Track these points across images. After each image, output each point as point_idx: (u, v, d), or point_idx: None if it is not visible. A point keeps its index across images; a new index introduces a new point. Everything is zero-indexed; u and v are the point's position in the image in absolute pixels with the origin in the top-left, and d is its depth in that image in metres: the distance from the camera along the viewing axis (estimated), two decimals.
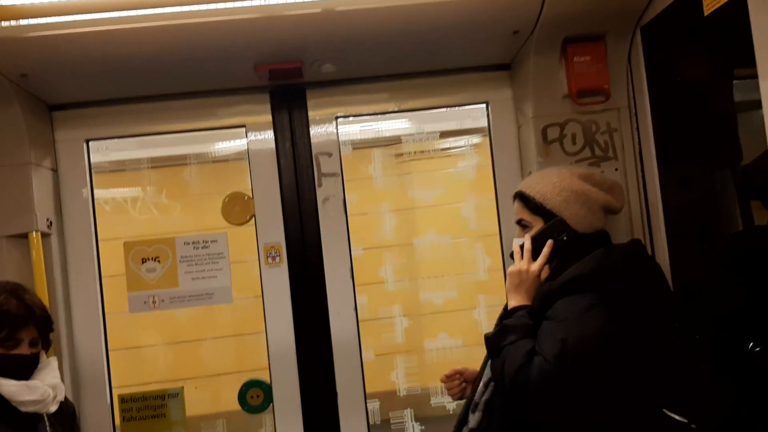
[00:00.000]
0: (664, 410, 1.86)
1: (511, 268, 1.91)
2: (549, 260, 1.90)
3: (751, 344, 1.63)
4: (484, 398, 1.93)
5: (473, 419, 1.94)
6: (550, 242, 1.90)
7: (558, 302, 1.78)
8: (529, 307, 1.84)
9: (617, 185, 2.07)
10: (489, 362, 1.94)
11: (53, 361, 2.15)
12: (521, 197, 2.00)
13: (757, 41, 1.64)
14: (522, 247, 1.92)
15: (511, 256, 1.95)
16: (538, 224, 1.95)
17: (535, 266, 1.89)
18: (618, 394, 1.75)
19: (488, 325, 2.73)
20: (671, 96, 2.28)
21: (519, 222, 2.02)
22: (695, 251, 2.21)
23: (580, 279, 1.79)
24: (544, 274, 1.91)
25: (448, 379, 2.17)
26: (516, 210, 2.04)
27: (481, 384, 1.96)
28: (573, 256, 1.88)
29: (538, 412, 1.75)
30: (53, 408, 2.05)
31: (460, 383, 2.16)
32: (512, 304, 1.88)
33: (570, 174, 2.00)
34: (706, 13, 1.93)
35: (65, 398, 2.16)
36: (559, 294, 1.80)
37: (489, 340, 1.83)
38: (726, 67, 1.94)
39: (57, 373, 2.12)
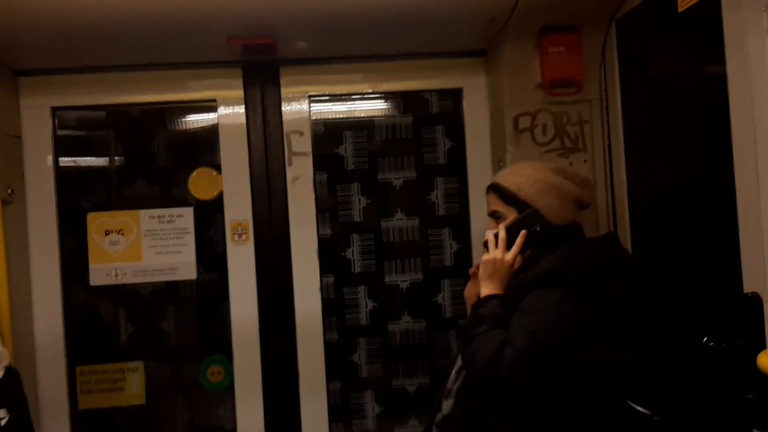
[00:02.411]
0: (628, 402, 1.89)
1: (485, 257, 1.92)
2: (522, 250, 1.92)
3: (705, 339, 1.65)
4: (456, 385, 1.95)
5: (446, 406, 1.96)
6: (523, 232, 1.91)
7: (530, 294, 1.80)
8: (502, 297, 1.86)
9: (588, 180, 2.10)
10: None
11: None
12: (495, 189, 2.02)
13: (728, 39, 1.66)
14: (496, 236, 1.92)
15: (485, 245, 1.96)
16: (511, 215, 1.96)
17: (509, 255, 1.90)
18: (584, 385, 1.78)
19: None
20: (642, 90, 2.30)
21: (492, 214, 2.03)
22: (659, 245, 2.24)
23: (552, 272, 1.80)
24: (517, 264, 1.92)
25: None
26: (490, 201, 2.04)
27: (454, 371, 1.97)
28: (546, 247, 1.90)
29: (505, 401, 1.77)
30: None
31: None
32: (485, 292, 1.89)
33: (543, 167, 2.02)
34: (681, 9, 1.94)
35: (9, 365, 2.16)
36: (531, 286, 1.81)
37: (462, 328, 1.84)
38: (698, 63, 1.95)
39: None
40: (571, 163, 2.51)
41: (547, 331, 1.72)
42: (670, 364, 2.04)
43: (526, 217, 1.92)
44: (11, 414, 2.15)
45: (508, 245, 1.91)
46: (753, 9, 1.52)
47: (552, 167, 2.04)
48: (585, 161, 2.54)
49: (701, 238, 1.96)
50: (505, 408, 1.80)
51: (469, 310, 2.11)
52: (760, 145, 1.52)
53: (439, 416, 1.97)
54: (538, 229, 1.91)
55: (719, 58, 1.69)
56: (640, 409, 1.93)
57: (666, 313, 2.12)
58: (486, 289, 1.89)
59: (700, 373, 1.87)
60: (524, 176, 1.97)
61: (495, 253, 1.90)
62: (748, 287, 1.59)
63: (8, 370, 2.18)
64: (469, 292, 2.17)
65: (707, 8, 1.79)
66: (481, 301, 1.86)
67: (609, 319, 1.82)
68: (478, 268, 2.15)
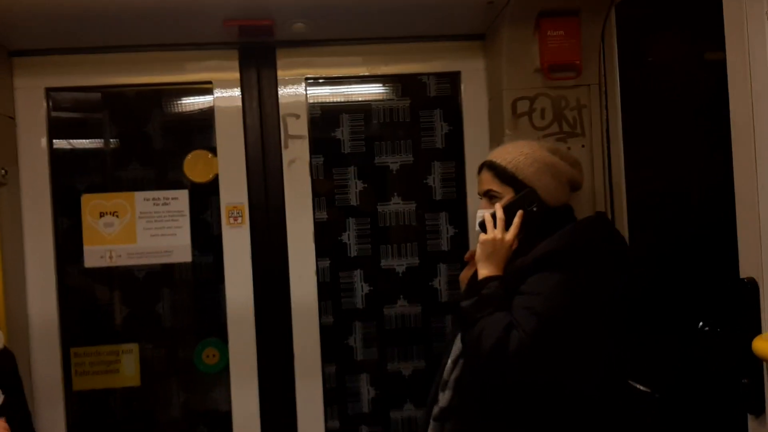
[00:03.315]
0: (629, 381, 1.89)
1: (483, 237, 1.89)
2: (518, 231, 1.90)
3: (701, 323, 1.65)
4: (453, 376, 1.92)
5: (443, 398, 1.93)
6: (520, 212, 1.89)
7: (531, 278, 1.79)
8: (501, 278, 1.84)
9: (578, 162, 2.08)
10: (456, 338, 1.94)
11: None
12: (491, 167, 1.98)
13: (728, 25, 1.64)
14: (494, 216, 1.90)
15: (480, 225, 1.94)
16: (508, 195, 1.93)
17: (509, 236, 1.87)
18: (587, 366, 1.78)
19: None
20: (641, 76, 2.29)
21: (487, 193, 2.00)
22: (656, 230, 2.24)
23: (551, 255, 1.79)
24: (514, 245, 1.91)
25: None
26: (484, 180, 2.00)
27: (450, 361, 1.94)
28: (540, 228, 1.88)
29: (511, 384, 1.77)
30: None
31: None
32: (484, 273, 1.86)
33: (539, 146, 1.99)
34: None
35: (4, 347, 2.15)
36: (531, 270, 1.80)
37: (465, 310, 1.82)
38: (697, 49, 1.94)
39: None
40: (569, 148, 2.50)
41: (552, 314, 1.71)
42: (668, 347, 2.05)
43: (523, 197, 1.90)
44: (7, 396, 2.15)
45: (506, 226, 1.89)
46: None
47: (547, 146, 2.01)
48: (583, 146, 2.53)
49: (699, 224, 1.96)
50: (509, 395, 1.79)
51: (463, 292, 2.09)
52: (758, 131, 1.52)
53: (436, 409, 1.94)
54: (535, 209, 1.89)
55: (719, 43, 1.68)
56: (641, 387, 1.94)
57: (663, 297, 2.13)
58: (485, 270, 1.86)
59: (696, 357, 1.87)
60: (522, 155, 1.94)
61: (494, 233, 1.87)
62: (744, 272, 1.58)
63: (4, 351, 2.18)
64: (464, 276, 2.16)
65: None
66: (481, 282, 1.84)
67: (608, 301, 1.81)
68: (473, 255, 2.14)
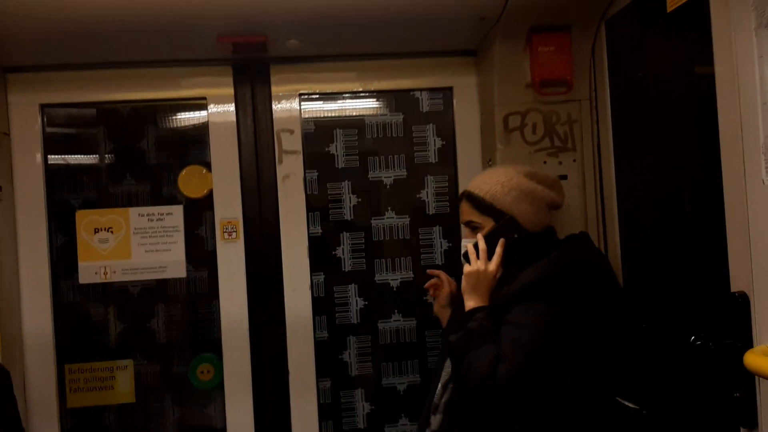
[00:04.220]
0: (617, 398, 1.91)
1: (467, 269, 1.92)
2: (501, 259, 1.93)
3: (693, 338, 1.66)
4: (443, 400, 1.95)
5: (435, 421, 1.97)
6: (502, 241, 1.91)
7: (516, 307, 1.81)
8: (487, 308, 1.86)
9: (557, 181, 2.12)
10: (445, 362, 1.96)
11: None
12: (470, 198, 2.01)
13: (716, 39, 1.66)
14: (476, 246, 1.93)
15: (464, 257, 1.97)
16: (488, 224, 1.97)
17: (492, 266, 1.90)
18: (575, 388, 1.80)
19: None
20: (632, 90, 2.31)
21: (468, 223, 2.03)
22: (647, 245, 2.25)
23: (536, 284, 1.81)
24: (499, 273, 1.93)
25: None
26: (464, 211, 2.04)
27: (440, 386, 1.98)
28: (524, 253, 1.91)
29: (501, 412, 1.78)
30: None
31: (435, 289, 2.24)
32: (470, 305, 1.89)
33: (516, 173, 2.02)
34: (669, 9, 1.95)
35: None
36: (517, 298, 1.82)
37: (453, 345, 1.84)
38: (686, 63, 1.96)
39: None
40: (560, 162, 2.52)
41: (538, 344, 1.74)
42: (658, 362, 2.06)
43: (503, 226, 1.93)
44: (1, 413, 2.14)
45: (488, 255, 1.91)
46: (741, 9, 1.53)
47: (524, 171, 2.04)
48: (574, 160, 2.55)
49: (691, 237, 1.97)
50: (498, 420, 1.80)
51: (444, 324, 2.12)
52: (746, 144, 1.53)
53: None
54: (515, 236, 1.92)
55: (708, 57, 1.70)
56: (629, 405, 1.94)
57: (654, 311, 2.13)
58: (471, 301, 1.89)
59: (687, 371, 1.88)
60: (498, 184, 1.97)
61: (477, 264, 1.90)
62: (735, 286, 1.60)
63: None
64: (438, 311, 2.20)
65: (696, 8, 1.80)
66: (468, 315, 1.86)
67: (594, 324, 1.83)
68: (432, 286, 2.19)
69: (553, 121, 2.53)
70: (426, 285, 2.31)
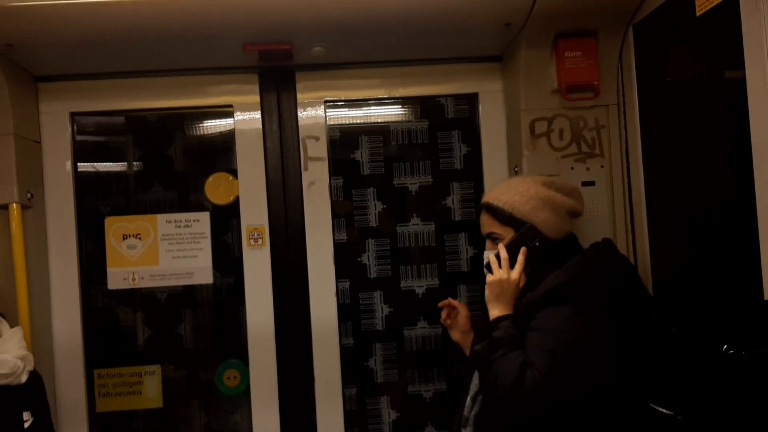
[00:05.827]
0: (651, 404, 1.88)
1: (490, 278, 1.91)
2: (524, 267, 1.91)
3: (725, 346, 1.63)
4: (473, 413, 1.94)
5: None
6: (524, 249, 1.91)
7: (540, 313, 1.79)
8: (512, 317, 1.85)
9: (576, 189, 2.09)
10: (475, 375, 1.95)
11: (18, 332, 2.19)
12: (489, 209, 2.00)
13: (747, 43, 1.64)
14: (498, 256, 1.92)
15: (486, 267, 1.96)
16: (509, 234, 1.96)
17: (515, 274, 1.89)
18: (606, 394, 1.77)
19: None
20: (660, 95, 2.29)
21: (489, 235, 2.02)
22: (677, 252, 2.22)
23: (559, 289, 1.80)
24: (522, 282, 1.92)
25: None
26: (485, 223, 2.03)
27: (469, 398, 1.97)
28: (546, 261, 1.90)
29: (531, 422, 1.76)
30: (24, 378, 2.10)
31: (448, 314, 2.16)
32: (494, 314, 1.88)
33: (534, 182, 2.01)
34: (699, 13, 1.93)
35: (33, 369, 2.20)
36: (541, 305, 1.80)
37: (478, 354, 1.83)
38: (716, 68, 1.94)
39: (23, 344, 2.18)
40: (587, 168, 2.50)
41: (565, 349, 1.72)
42: (690, 369, 2.02)
43: (524, 234, 1.92)
44: (35, 417, 2.18)
45: (510, 264, 1.90)
46: None
47: (542, 180, 2.03)
48: (602, 166, 2.52)
49: (722, 243, 1.94)
50: (532, 426, 1.78)
51: (468, 352, 2.08)
52: None
53: None
54: (537, 244, 1.91)
55: (738, 62, 1.68)
56: (663, 410, 1.92)
57: (685, 320, 2.10)
58: (495, 310, 1.89)
59: (720, 379, 1.85)
60: (517, 194, 1.96)
61: (500, 273, 1.90)
62: None
63: (32, 374, 2.21)
64: (457, 337, 2.17)
65: (726, 12, 1.77)
66: (493, 323, 1.85)
67: (622, 329, 1.81)
68: (448, 315, 2.15)
69: (580, 127, 2.51)
70: (439, 304, 2.24)
